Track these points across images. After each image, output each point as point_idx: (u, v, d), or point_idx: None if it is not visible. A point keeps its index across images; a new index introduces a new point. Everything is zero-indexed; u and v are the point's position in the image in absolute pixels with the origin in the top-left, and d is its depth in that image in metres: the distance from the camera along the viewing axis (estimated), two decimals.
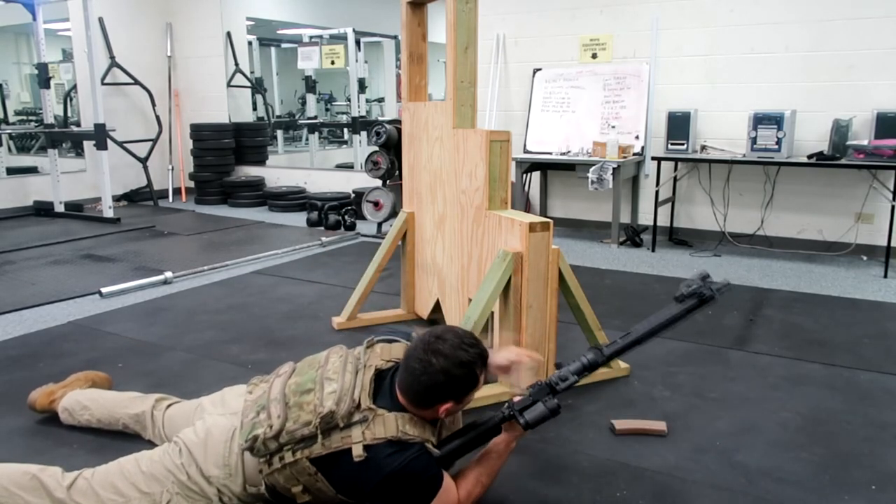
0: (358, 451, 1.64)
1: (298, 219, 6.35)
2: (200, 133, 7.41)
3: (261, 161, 7.90)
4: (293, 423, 1.69)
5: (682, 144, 4.99)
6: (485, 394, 2.46)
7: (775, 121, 4.53)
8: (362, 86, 8.70)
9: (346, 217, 5.94)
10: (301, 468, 1.69)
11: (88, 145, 6.92)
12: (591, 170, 4.99)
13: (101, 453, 2.14)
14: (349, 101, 8.89)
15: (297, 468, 1.69)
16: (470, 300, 2.55)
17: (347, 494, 1.72)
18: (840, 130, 4.49)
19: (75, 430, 2.29)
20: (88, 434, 2.26)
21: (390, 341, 1.91)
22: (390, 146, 5.49)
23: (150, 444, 2.07)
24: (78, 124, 7.29)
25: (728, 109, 5.08)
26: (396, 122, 5.43)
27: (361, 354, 1.83)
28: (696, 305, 1.90)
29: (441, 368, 1.66)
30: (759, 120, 4.58)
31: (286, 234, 5.70)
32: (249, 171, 7.65)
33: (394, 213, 5.39)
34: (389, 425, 1.66)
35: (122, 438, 2.23)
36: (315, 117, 9.04)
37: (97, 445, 2.19)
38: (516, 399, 1.81)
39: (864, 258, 4.76)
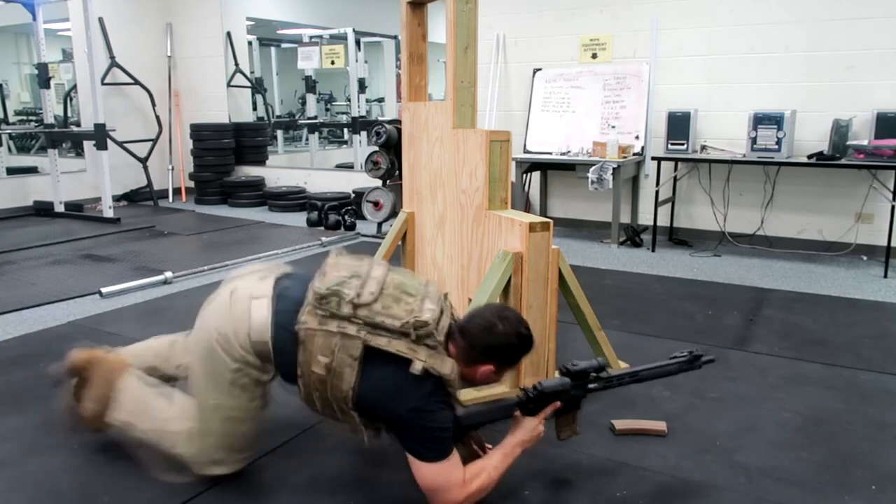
0: (418, 367, 1.68)
1: (298, 219, 6.35)
2: (200, 133, 7.41)
3: (261, 161, 7.90)
4: (381, 307, 1.73)
5: (682, 144, 4.99)
6: (485, 394, 2.47)
7: (775, 121, 4.53)
8: (362, 86, 8.70)
9: (346, 217, 5.94)
10: (350, 345, 1.70)
11: (88, 145, 6.92)
12: (591, 170, 4.99)
13: (102, 452, 2.14)
14: (349, 101, 8.89)
15: (346, 343, 1.71)
16: (470, 300, 2.55)
17: (362, 398, 1.73)
18: (840, 130, 4.49)
19: (76, 431, 2.29)
20: (89, 434, 2.26)
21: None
22: (390, 146, 5.49)
23: None
24: (78, 124, 7.29)
25: (728, 109, 5.08)
26: (396, 122, 5.43)
27: (445, 302, 1.89)
28: (687, 362, 2.09)
29: (502, 331, 1.78)
30: (759, 120, 4.58)
31: (286, 234, 5.70)
32: (249, 171, 7.65)
33: (394, 213, 5.39)
34: (447, 366, 1.73)
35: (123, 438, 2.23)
36: (315, 117, 9.04)
37: (98, 445, 2.19)
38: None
39: (864, 258, 4.76)
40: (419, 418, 1.70)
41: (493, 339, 1.78)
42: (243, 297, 1.87)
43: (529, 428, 1.86)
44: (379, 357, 1.70)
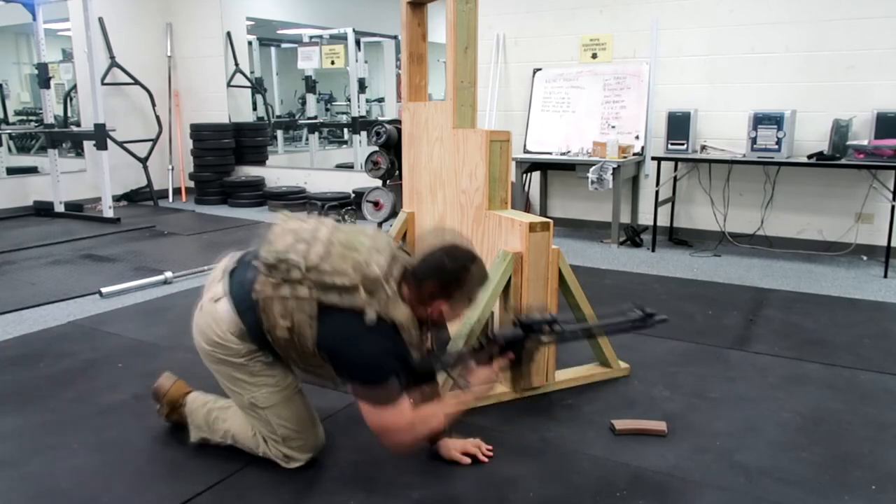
0: (371, 316, 1.76)
1: None
2: (200, 133, 7.41)
3: (261, 161, 7.90)
4: (329, 266, 1.79)
5: (682, 144, 4.99)
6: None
7: (775, 121, 4.53)
8: (362, 86, 8.69)
9: (346, 217, 5.94)
10: (305, 306, 1.79)
11: (88, 145, 6.91)
12: (591, 170, 4.99)
13: (102, 452, 2.15)
14: (349, 101, 8.89)
15: (302, 305, 1.79)
16: None
17: (323, 346, 1.82)
18: (840, 130, 4.49)
19: (76, 431, 2.29)
20: (89, 434, 2.27)
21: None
22: (390, 146, 5.48)
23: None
24: (78, 124, 7.29)
25: (728, 109, 5.08)
26: (396, 122, 5.42)
27: (396, 248, 1.95)
28: (640, 320, 2.02)
29: (450, 268, 1.83)
30: (759, 120, 4.58)
31: None
32: (249, 171, 7.65)
33: (394, 213, 5.39)
34: (400, 311, 1.81)
35: (123, 438, 2.24)
36: (315, 117, 9.04)
37: (98, 445, 2.19)
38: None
39: (864, 258, 4.76)
40: (370, 359, 1.78)
41: (442, 276, 1.83)
42: (207, 305, 1.99)
43: (483, 377, 1.92)
44: (334, 311, 1.78)
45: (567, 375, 2.64)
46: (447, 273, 1.83)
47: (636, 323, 2.03)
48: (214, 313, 1.95)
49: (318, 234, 1.88)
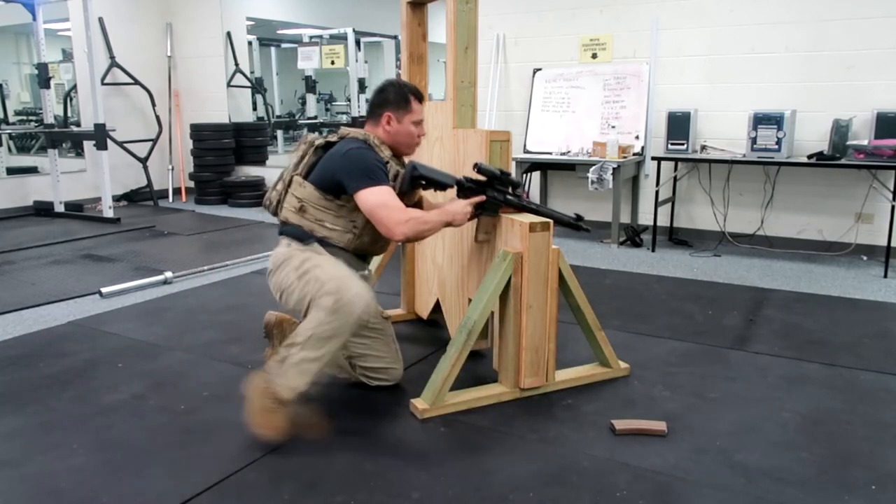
0: (319, 142, 2.43)
1: None
2: (200, 133, 7.41)
3: (261, 161, 7.90)
4: (289, 165, 2.49)
5: (682, 144, 4.99)
6: (484, 394, 2.47)
7: (775, 121, 4.53)
8: (362, 86, 8.70)
9: None
10: (295, 183, 2.41)
11: (88, 145, 6.92)
12: (591, 170, 4.99)
13: (101, 452, 2.15)
14: (349, 101, 8.89)
15: (294, 187, 2.41)
16: (470, 300, 2.55)
17: (318, 176, 2.37)
18: (840, 130, 4.49)
19: (76, 431, 2.29)
20: (89, 434, 2.27)
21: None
22: None
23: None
24: (78, 124, 7.29)
25: (728, 109, 5.08)
26: None
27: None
28: (574, 220, 2.60)
29: (385, 87, 2.49)
30: (759, 120, 4.58)
31: None
32: (249, 171, 7.65)
33: None
34: (358, 133, 2.44)
35: (123, 438, 2.24)
36: (315, 117, 9.05)
37: (98, 445, 2.19)
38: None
39: (864, 258, 4.76)
40: (354, 158, 2.30)
41: (381, 95, 2.47)
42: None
43: (460, 205, 2.40)
44: (314, 165, 2.42)
45: (567, 375, 2.64)
46: (381, 92, 2.47)
47: (572, 222, 2.58)
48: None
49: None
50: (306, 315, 2.27)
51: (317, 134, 2.57)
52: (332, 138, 2.44)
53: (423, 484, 1.97)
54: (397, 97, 2.44)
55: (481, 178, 2.46)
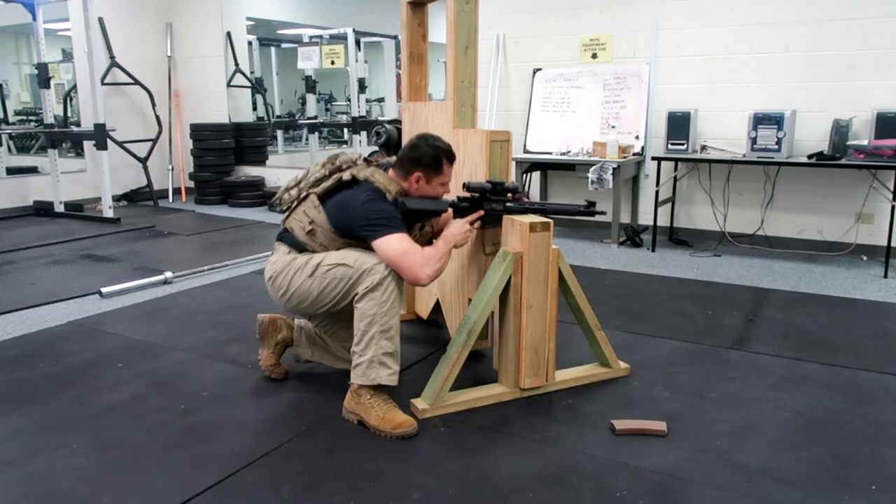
0: (347, 176, 2.38)
1: None
2: (200, 133, 7.41)
3: (261, 161, 7.90)
4: (309, 175, 2.51)
5: (682, 144, 4.99)
6: (484, 394, 2.47)
7: (775, 121, 4.53)
8: (362, 86, 8.69)
9: None
10: (310, 202, 2.40)
11: (88, 145, 6.92)
12: (591, 170, 4.99)
13: (101, 452, 2.14)
14: (349, 101, 8.89)
15: (307, 204, 2.41)
16: (470, 300, 2.55)
17: (336, 216, 2.37)
18: (840, 130, 4.49)
19: (76, 431, 2.29)
20: (89, 434, 2.27)
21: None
22: (390, 146, 5.46)
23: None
24: (78, 124, 7.29)
25: (728, 109, 5.08)
26: (396, 122, 5.41)
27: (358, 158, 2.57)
28: (586, 207, 2.61)
29: (422, 147, 2.39)
30: (759, 120, 4.58)
31: None
32: (249, 171, 7.65)
33: None
34: (366, 170, 2.40)
35: (123, 438, 2.24)
36: (315, 117, 9.04)
37: (98, 445, 2.19)
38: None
39: (864, 258, 4.76)
40: (371, 210, 2.29)
41: (415, 153, 2.39)
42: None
43: (458, 225, 2.41)
44: (330, 193, 2.40)
45: (567, 375, 2.64)
46: (419, 150, 2.39)
47: (583, 211, 2.59)
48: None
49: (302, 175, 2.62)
50: (328, 311, 2.39)
51: (347, 156, 2.54)
52: (359, 175, 2.39)
53: (423, 484, 1.97)
54: (430, 161, 2.38)
55: (474, 194, 2.47)
